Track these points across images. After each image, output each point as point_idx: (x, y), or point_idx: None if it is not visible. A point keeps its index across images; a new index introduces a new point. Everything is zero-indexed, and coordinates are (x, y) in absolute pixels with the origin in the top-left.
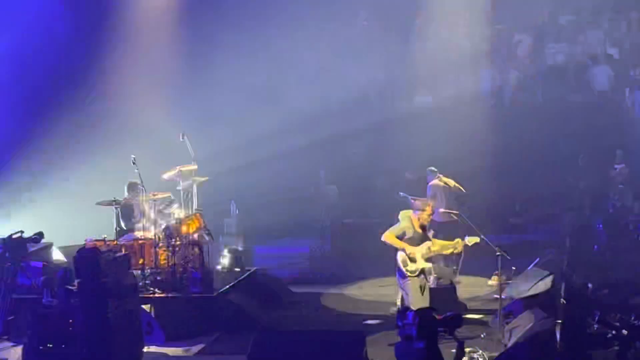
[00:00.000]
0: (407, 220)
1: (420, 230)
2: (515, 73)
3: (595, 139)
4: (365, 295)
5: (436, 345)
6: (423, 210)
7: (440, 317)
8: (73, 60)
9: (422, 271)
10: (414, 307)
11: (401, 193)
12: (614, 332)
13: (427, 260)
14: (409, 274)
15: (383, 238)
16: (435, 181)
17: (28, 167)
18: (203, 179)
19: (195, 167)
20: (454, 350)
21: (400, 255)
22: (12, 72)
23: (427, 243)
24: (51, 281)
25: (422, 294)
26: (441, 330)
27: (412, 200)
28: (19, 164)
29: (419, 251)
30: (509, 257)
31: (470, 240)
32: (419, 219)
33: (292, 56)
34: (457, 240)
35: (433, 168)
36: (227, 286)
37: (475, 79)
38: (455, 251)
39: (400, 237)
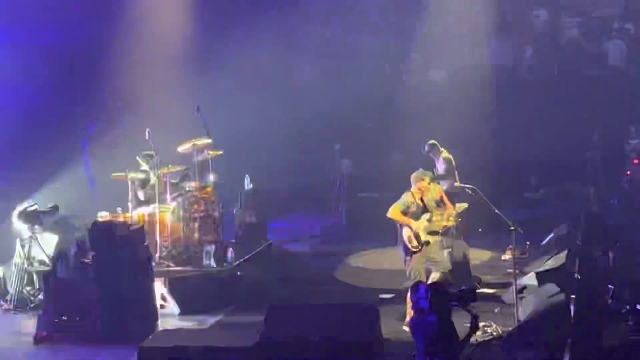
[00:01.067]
0: (409, 194)
1: (422, 204)
2: (531, 47)
3: (610, 113)
4: (380, 269)
5: (449, 319)
6: (422, 180)
7: (454, 291)
8: (88, 35)
9: (426, 244)
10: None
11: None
12: (627, 307)
13: (430, 233)
14: (414, 249)
15: (388, 214)
16: (446, 154)
17: (42, 142)
18: (218, 152)
19: (210, 140)
20: (467, 324)
21: (407, 232)
22: (28, 47)
23: (425, 215)
24: (66, 254)
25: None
26: (455, 305)
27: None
28: (33, 138)
29: (420, 225)
30: (521, 231)
31: (460, 207)
32: (420, 191)
33: (305, 29)
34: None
35: (434, 141)
36: (241, 260)
37: (490, 53)
38: (452, 219)
39: (405, 213)
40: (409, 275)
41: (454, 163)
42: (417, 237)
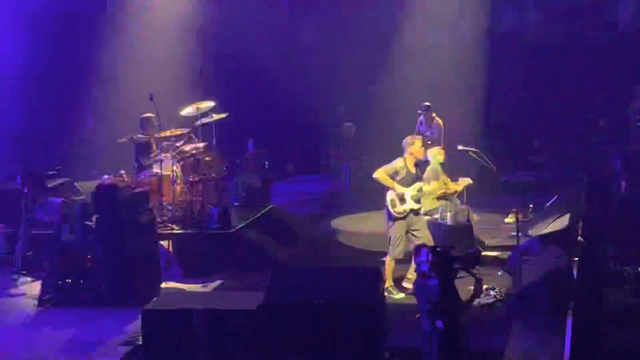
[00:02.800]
0: (401, 159)
1: (413, 170)
2: (536, 10)
3: (615, 76)
4: (383, 233)
5: (451, 283)
6: (413, 144)
7: (459, 255)
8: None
9: (409, 213)
10: (391, 253)
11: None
12: (630, 269)
13: (417, 201)
14: (396, 214)
15: (375, 175)
16: (439, 120)
17: (45, 105)
18: (221, 115)
19: (214, 103)
20: (471, 287)
21: (390, 195)
22: (29, 9)
23: (419, 184)
24: (69, 217)
25: (405, 237)
26: (459, 268)
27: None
28: (37, 102)
29: (410, 192)
30: (522, 191)
31: (463, 181)
32: (412, 155)
33: None
34: (450, 182)
35: (429, 104)
36: (245, 223)
37: (495, 16)
38: (449, 192)
39: (393, 177)
40: (389, 243)
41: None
42: (402, 201)
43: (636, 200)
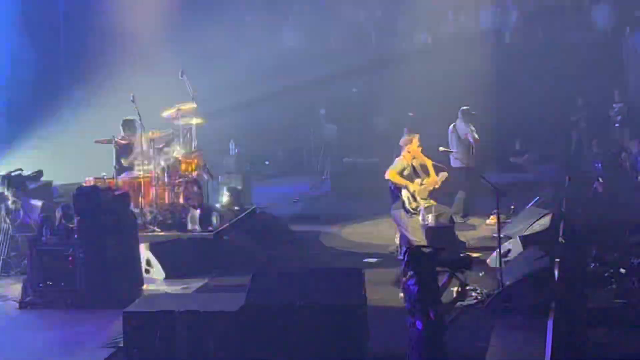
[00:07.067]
0: (402, 158)
1: (411, 168)
2: (516, 11)
3: (595, 78)
4: (364, 234)
5: (430, 283)
6: (411, 142)
7: (446, 258)
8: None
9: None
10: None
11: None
12: (611, 270)
13: (422, 197)
14: (412, 210)
15: (387, 176)
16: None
17: (26, 107)
18: (200, 120)
19: (195, 105)
20: (453, 289)
21: (405, 193)
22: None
23: (417, 180)
24: (50, 219)
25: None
26: (450, 274)
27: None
28: (21, 102)
29: (415, 188)
30: (505, 195)
31: (442, 176)
32: (409, 153)
33: None
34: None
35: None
36: (226, 225)
37: (475, 18)
38: (437, 186)
39: (401, 175)
40: (400, 239)
41: None
42: (414, 198)
43: (614, 201)
